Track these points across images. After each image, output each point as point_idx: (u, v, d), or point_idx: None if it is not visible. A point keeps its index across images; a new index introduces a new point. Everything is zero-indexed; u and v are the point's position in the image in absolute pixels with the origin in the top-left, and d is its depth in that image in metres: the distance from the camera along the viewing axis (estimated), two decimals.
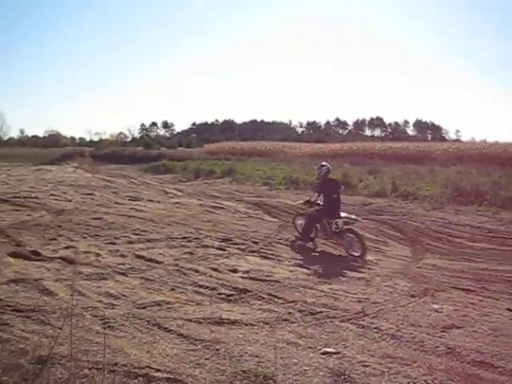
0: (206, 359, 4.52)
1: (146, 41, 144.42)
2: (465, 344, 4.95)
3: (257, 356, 4.58)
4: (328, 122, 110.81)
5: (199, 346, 4.82)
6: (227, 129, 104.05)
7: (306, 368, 4.36)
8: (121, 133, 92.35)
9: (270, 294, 6.50)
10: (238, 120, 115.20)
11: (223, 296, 6.45)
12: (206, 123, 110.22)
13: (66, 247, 9.05)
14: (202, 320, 5.52)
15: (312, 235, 9.91)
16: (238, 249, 9.25)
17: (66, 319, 4.95)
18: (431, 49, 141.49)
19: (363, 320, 5.62)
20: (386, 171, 24.16)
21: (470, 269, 8.17)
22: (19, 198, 16.06)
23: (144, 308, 5.90)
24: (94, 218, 12.24)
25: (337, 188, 9.84)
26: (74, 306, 5.52)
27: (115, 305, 6.00)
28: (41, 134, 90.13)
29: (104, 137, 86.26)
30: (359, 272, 7.89)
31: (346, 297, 6.49)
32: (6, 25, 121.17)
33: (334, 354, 4.67)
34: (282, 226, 11.85)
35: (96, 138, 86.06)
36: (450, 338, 5.11)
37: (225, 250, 9.09)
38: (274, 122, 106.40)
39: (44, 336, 4.86)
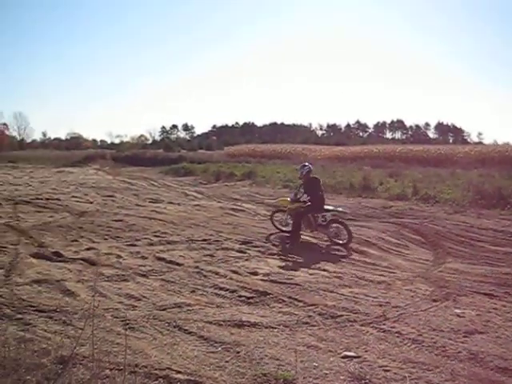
0: (227, 362, 4.52)
1: (167, 46, 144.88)
2: (488, 350, 4.88)
3: (277, 359, 4.58)
4: (348, 125, 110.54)
5: (219, 349, 4.83)
6: (247, 131, 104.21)
7: (327, 372, 4.35)
8: (141, 135, 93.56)
9: (290, 297, 6.49)
10: (259, 123, 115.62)
11: (243, 298, 6.45)
12: (227, 126, 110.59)
13: (88, 249, 9.13)
14: (222, 322, 5.53)
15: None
16: (259, 251, 9.24)
17: (87, 320, 4.98)
18: (454, 52, 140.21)
19: (384, 324, 5.58)
20: (407, 174, 24.00)
21: (493, 273, 8.05)
22: (41, 199, 16.25)
23: (164, 310, 5.93)
24: (115, 220, 12.33)
25: (320, 185, 10.84)
26: (96, 307, 5.56)
27: (136, 306, 6.04)
28: (63, 137, 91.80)
29: (125, 139, 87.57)
30: (380, 275, 7.83)
31: (367, 300, 6.44)
32: (30, 27, 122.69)
33: (355, 357, 4.65)
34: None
35: (117, 141, 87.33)
36: (473, 344, 5.04)
37: (245, 253, 9.07)
38: (294, 125, 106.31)
39: (66, 336, 4.92)
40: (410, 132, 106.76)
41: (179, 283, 7.10)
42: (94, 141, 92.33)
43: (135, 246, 9.49)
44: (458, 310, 6.09)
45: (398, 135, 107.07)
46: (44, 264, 7.93)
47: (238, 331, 5.30)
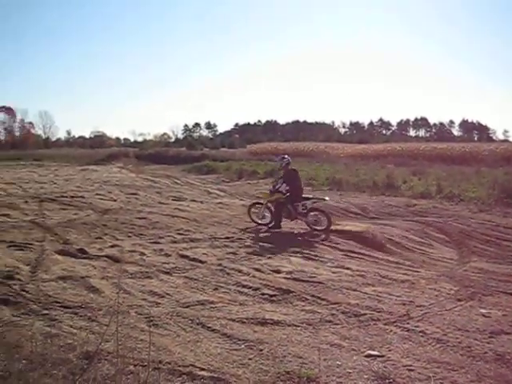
0: (250, 359, 4.53)
1: (192, 47, 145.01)
2: None
3: (300, 357, 4.57)
4: (371, 123, 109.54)
5: (242, 346, 4.84)
6: (270, 129, 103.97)
7: (350, 370, 4.33)
8: (164, 133, 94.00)
9: (313, 295, 6.47)
10: (281, 121, 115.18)
11: (266, 296, 6.46)
12: (249, 124, 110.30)
13: (112, 246, 9.23)
14: (245, 320, 5.54)
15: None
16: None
17: (112, 316, 5.04)
18: (481, 48, 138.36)
19: (408, 323, 5.53)
20: (431, 172, 23.74)
21: None
22: (66, 197, 16.48)
23: (188, 307, 5.97)
24: (139, 218, 12.44)
25: (298, 176, 11.65)
26: (120, 303, 5.62)
27: (159, 303, 6.08)
28: (87, 135, 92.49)
29: (148, 137, 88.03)
30: (403, 274, 7.76)
31: (390, 299, 6.39)
32: (55, 26, 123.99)
33: (379, 357, 4.62)
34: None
35: (140, 139, 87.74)
36: (499, 344, 4.96)
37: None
38: (316, 123, 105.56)
39: (91, 332, 4.97)
40: (433, 130, 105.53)
41: (202, 281, 7.13)
42: (118, 139, 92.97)
43: (158, 243, 9.56)
44: (483, 310, 6.01)
45: (421, 133, 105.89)
46: (69, 261, 8.04)
47: (261, 329, 5.31)
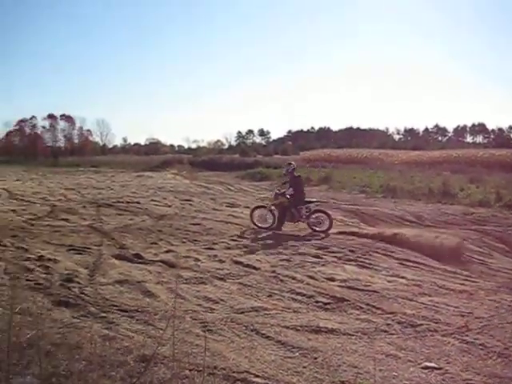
0: (304, 367, 4.50)
1: (246, 54, 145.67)
2: None
3: (355, 367, 4.50)
4: (426, 129, 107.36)
5: (297, 354, 4.81)
6: (323, 136, 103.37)
7: (406, 382, 4.23)
8: (218, 140, 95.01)
9: (367, 304, 6.38)
10: (334, 127, 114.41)
11: (320, 304, 6.40)
12: (302, 131, 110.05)
13: (167, 251, 9.38)
14: (299, 327, 5.51)
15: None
16: (335, 257, 9.14)
17: (168, 321, 5.11)
18: None
19: (467, 335, 5.36)
20: (489, 180, 23.10)
21: None
22: (122, 202, 16.91)
23: (242, 313, 5.98)
24: (193, 224, 12.60)
25: (302, 182, 12.99)
26: (176, 308, 5.69)
27: (214, 309, 6.13)
28: (142, 142, 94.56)
29: (201, 144, 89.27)
30: (461, 284, 7.56)
31: (448, 310, 6.22)
32: (112, 34, 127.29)
33: (436, 369, 4.49)
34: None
35: (194, 146, 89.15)
36: None
37: (321, 258, 9.01)
38: (370, 129, 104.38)
39: (147, 336, 5.05)
40: (492, 136, 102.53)
41: (256, 287, 7.14)
42: (172, 146, 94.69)
43: (213, 249, 9.66)
44: None
45: (479, 139, 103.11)
46: (125, 265, 8.22)
47: (316, 337, 5.27)
